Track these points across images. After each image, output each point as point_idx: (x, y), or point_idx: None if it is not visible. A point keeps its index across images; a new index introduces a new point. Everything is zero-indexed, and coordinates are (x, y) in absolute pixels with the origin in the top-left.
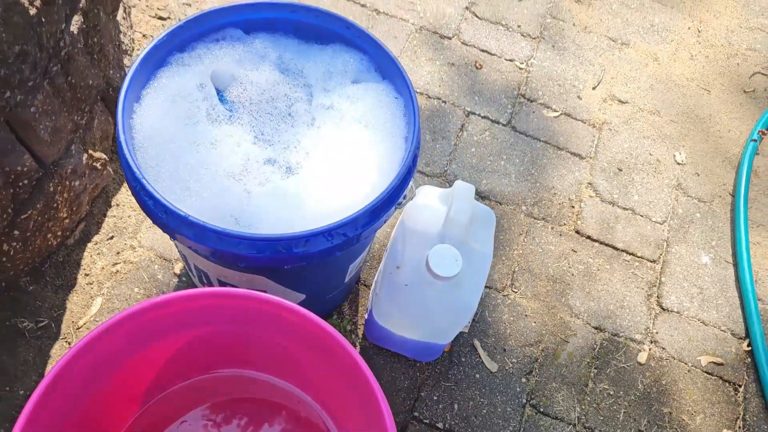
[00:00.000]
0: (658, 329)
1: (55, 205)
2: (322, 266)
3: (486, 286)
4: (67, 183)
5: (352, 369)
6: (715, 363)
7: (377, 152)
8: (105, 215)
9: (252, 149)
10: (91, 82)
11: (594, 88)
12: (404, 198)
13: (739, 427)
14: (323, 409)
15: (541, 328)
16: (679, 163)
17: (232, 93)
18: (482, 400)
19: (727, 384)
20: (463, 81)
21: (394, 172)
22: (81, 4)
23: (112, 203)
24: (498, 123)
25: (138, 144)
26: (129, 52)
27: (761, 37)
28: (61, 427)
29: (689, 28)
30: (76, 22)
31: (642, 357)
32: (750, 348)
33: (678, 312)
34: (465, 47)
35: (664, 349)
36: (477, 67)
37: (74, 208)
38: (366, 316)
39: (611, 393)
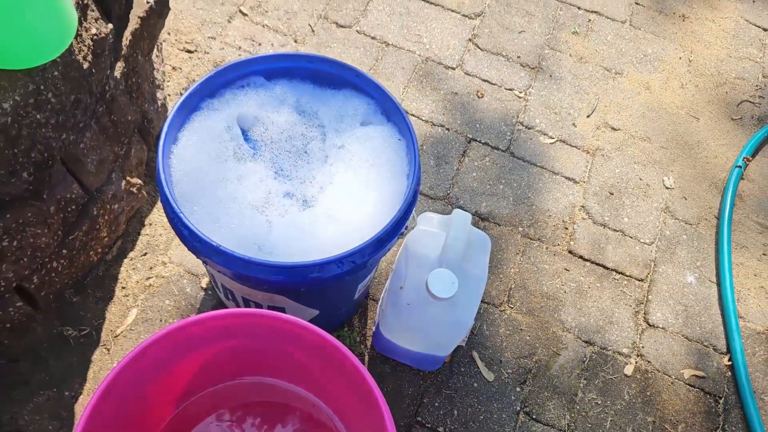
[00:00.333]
0: (644, 344)
1: (97, 226)
2: (334, 288)
3: (484, 302)
4: (108, 206)
5: (357, 378)
6: (697, 376)
7: (382, 188)
8: (139, 234)
9: (273, 184)
10: (130, 117)
11: (588, 116)
12: (406, 228)
13: None
14: (334, 413)
15: (535, 341)
16: (667, 188)
17: (255, 133)
18: (480, 407)
19: (708, 396)
20: (465, 109)
21: (397, 205)
22: (123, 52)
23: (146, 222)
24: (497, 149)
25: (175, 180)
26: (161, 85)
27: (749, 66)
28: (113, 424)
29: (680, 58)
30: (118, 68)
31: (628, 369)
32: (730, 362)
33: (663, 328)
34: (467, 77)
35: (649, 362)
36: (479, 96)
37: (113, 228)
38: (374, 329)
39: (599, 402)
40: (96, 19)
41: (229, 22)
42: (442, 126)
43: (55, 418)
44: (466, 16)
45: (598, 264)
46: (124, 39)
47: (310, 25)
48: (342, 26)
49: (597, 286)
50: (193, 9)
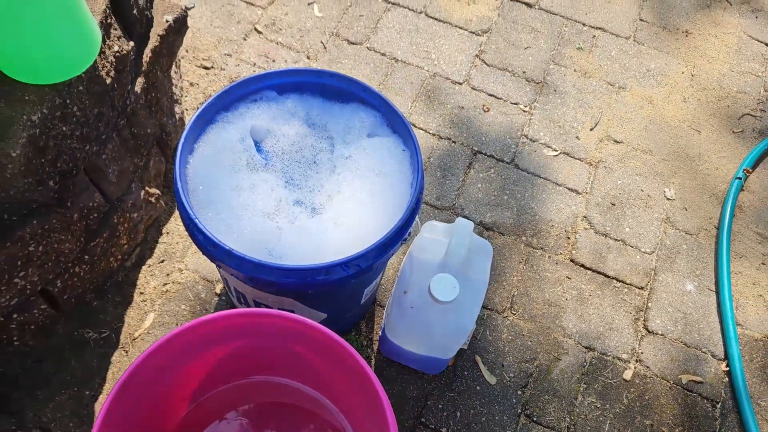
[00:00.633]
0: (643, 350)
1: (117, 233)
2: (341, 290)
3: (487, 308)
4: (128, 215)
5: (361, 375)
6: (695, 381)
7: (387, 196)
8: (157, 242)
9: (283, 192)
10: (149, 130)
11: (592, 129)
12: (409, 234)
13: None
14: (339, 411)
15: (536, 346)
16: (668, 199)
17: (267, 144)
18: (482, 409)
19: (705, 400)
20: (471, 123)
21: (400, 213)
22: (143, 68)
23: (163, 231)
24: (502, 161)
25: (191, 189)
26: (179, 100)
27: (751, 81)
28: (131, 419)
29: (683, 73)
30: (139, 83)
31: (627, 374)
32: (728, 368)
33: (662, 334)
34: (474, 92)
35: (648, 367)
36: (484, 110)
37: (132, 236)
38: (380, 333)
39: (598, 406)
40: (118, 37)
41: (245, 39)
42: (449, 139)
43: (75, 416)
44: (473, 32)
45: (599, 272)
46: (144, 56)
47: (322, 42)
48: (353, 43)
49: (598, 294)
50: (210, 27)
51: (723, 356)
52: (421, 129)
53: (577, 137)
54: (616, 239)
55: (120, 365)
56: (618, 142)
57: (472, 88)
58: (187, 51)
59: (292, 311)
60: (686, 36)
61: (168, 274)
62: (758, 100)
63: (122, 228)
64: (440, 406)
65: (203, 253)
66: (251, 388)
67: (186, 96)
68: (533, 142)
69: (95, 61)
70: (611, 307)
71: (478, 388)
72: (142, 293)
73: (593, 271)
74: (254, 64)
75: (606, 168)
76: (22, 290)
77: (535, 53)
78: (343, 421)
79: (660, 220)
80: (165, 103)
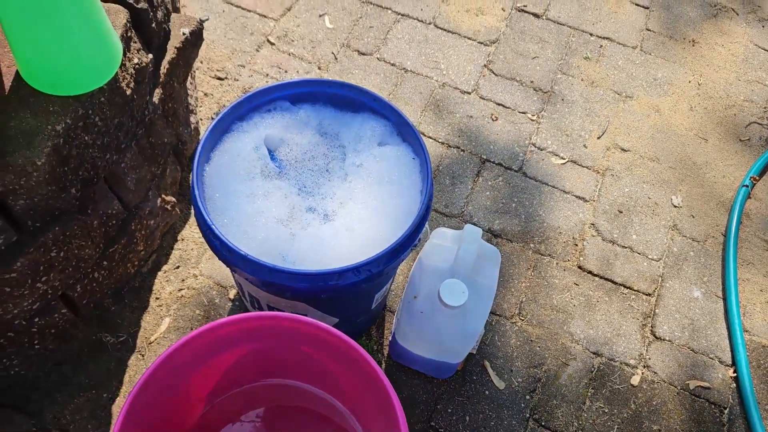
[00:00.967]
0: (650, 355)
1: (135, 240)
2: (352, 295)
3: (496, 314)
4: (145, 222)
5: (373, 377)
6: (702, 387)
7: (397, 203)
8: (172, 248)
9: (296, 199)
10: (166, 140)
11: (599, 138)
12: (419, 241)
13: None
14: (351, 414)
15: (545, 352)
16: (675, 206)
17: (280, 153)
18: (491, 413)
19: (713, 406)
20: (479, 131)
21: (410, 219)
22: (161, 79)
23: (178, 238)
24: (510, 169)
25: (208, 196)
26: (194, 110)
27: (758, 89)
28: (149, 418)
29: (690, 82)
30: (156, 94)
31: (635, 380)
32: (735, 374)
33: (670, 340)
34: (482, 101)
35: (655, 373)
36: (493, 119)
37: (149, 243)
38: (390, 338)
39: (606, 411)
40: (138, 50)
41: (258, 51)
42: (458, 147)
43: (93, 418)
44: (481, 43)
45: (606, 279)
46: (162, 67)
47: (333, 53)
48: (363, 54)
49: (605, 300)
50: (224, 39)
51: (730, 362)
52: (430, 138)
53: (584, 145)
54: (623, 246)
55: (136, 368)
56: (625, 151)
57: (480, 97)
58: (201, 62)
59: (305, 315)
60: (693, 45)
61: (183, 280)
62: (765, 108)
63: (139, 235)
64: (450, 411)
65: (219, 258)
66: (265, 391)
67: (201, 106)
68: (541, 150)
69: (116, 73)
70: (619, 313)
71: (487, 392)
72: (158, 298)
73: (601, 277)
74: (267, 75)
75: (613, 176)
76: (44, 294)
77: (543, 63)
78: (355, 424)
79: (667, 227)
80: (181, 113)
